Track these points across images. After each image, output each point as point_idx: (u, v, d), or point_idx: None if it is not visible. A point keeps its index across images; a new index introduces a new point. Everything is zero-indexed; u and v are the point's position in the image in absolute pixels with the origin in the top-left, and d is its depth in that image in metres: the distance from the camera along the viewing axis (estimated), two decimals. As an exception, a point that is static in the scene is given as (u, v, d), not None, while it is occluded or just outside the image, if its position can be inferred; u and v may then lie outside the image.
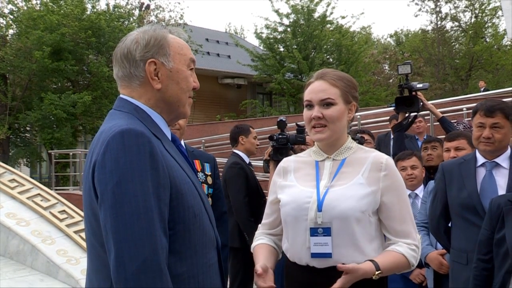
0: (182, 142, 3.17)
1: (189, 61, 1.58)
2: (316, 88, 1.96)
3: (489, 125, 2.69)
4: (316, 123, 1.93)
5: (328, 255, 1.87)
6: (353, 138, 3.42)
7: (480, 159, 2.78)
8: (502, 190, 2.67)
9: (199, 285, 1.45)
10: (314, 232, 1.88)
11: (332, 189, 1.91)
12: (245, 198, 4.40)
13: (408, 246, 1.89)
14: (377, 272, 1.80)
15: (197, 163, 3.22)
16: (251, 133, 4.65)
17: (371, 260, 1.83)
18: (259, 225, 2.18)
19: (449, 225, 2.96)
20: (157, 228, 1.33)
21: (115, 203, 1.32)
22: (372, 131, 5.02)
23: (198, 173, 3.16)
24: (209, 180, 3.24)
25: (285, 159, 2.14)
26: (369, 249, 1.89)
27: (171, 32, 1.58)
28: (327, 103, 1.93)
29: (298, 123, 3.62)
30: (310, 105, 1.96)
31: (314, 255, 1.89)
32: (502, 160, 2.74)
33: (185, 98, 1.58)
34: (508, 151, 2.77)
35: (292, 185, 2.00)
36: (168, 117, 1.58)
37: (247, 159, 4.67)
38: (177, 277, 1.39)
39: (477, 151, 2.83)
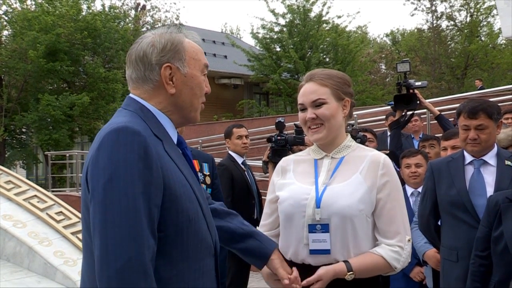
0: None
1: (203, 67, 1.59)
2: (307, 90, 1.99)
3: (474, 126, 2.75)
4: (312, 124, 1.96)
5: (326, 252, 1.88)
6: (355, 137, 3.44)
7: (468, 157, 2.83)
8: (490, 188, 2.72)
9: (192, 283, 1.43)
10: (312, 228, 1.89)
11: (331, 186, 1.92)
12: (227, 199, 4.38)
13: (390, 248, 1.89)
14: (349, 273, 1.84)
15: (195, 163, 3.20)
16: (233, 134, 4.64)
17: (345, 261, 1.86)
18: (258, 227, 2.15)
19: (439, 223, 2.98)
20: (145, 228, 1.31)
21: (105, 199, 1.31)
22: (369, 130, 5.01)
23: (197, 173, 3.14)
24: (208, 180, 3.22)
25: (284, 159, 2.16)
26: (366, 247, 1.90)
27: (186, 36, 1.57)
28: (318, 104, 1.95)
29: (296, 123, 3.62)
30: (304, 108, 2.00)
31: (312, 252, 1.89)
32: (489, 157, 2.79)
33: (198, 104, 1.58)
34: (495, 148, 2.82)
35: (290, 183, 2.01)
36: (178, 121, 1.57)
37: (239, 159, 4.66)
38: (165, 280, 1.38)
39: (464, 149, 2.87)
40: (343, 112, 1.99)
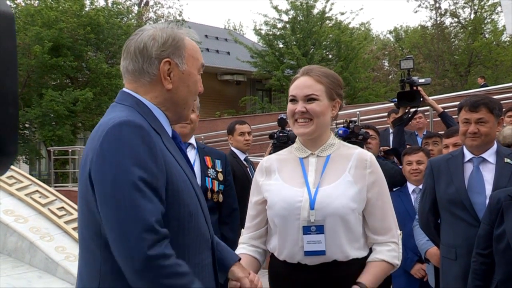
0: (193, 138, 3.14)
1: (200, 66, 1.59)
2: (301, 84, 1.98)
3: (474, 120, 2.74)
4: (300, 117, 1.96)
5: (321, 253, 1.89)
6: (357, 133, 3.42)
7: (468, 155, 2.83)
8: (489, 185, 2.72)
9: None
10: (307, 230, 1.90)
11: (323, 187, 1.93)
12: None
13: (387, 248, 1.94)
14: None
15: (208, 160, 3.19)
16: (236, 130, 4.65)
17: (358, 283, 1.87)
18: (243, 230, 2.15)
19: (439, 221, 2.98)
20: (159, 220, 1.34)
21: (116, 193, 1.31)
22: (371, 127, 4.97)
23: (209, 170, 3.12)
24: (220, 176, 3.20)
25: (266, 158, 2.14)
26: (359, 244, 1.93)
27: (187, 34, 1.58)
28: (310, 99, 1.95)
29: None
30: (295, 100, 1.99)
31: (307, 253, 1.90)
32: (489, 155, 2.78)
33: (191, 102, 1.59)
34: (495, 146, 2.82)
35: (278, 184, 2.00)
36: (171, 117, 1.57)
37: (242, 156, 4.67)
38: None
39: (464, 147, 2.87)
40: (331, 112, 1.99)
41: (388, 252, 1.93)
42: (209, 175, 3.15)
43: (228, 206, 3.29)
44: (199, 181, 2.97)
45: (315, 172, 1.97)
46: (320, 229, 1.88)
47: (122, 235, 1.30)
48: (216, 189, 3.17)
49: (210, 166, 3.16)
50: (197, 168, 3.04)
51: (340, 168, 1.95)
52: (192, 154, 3.08)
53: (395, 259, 1.94)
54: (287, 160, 2.05)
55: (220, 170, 3.23)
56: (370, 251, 1.99)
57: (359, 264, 1.93)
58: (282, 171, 2.02)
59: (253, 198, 2.09)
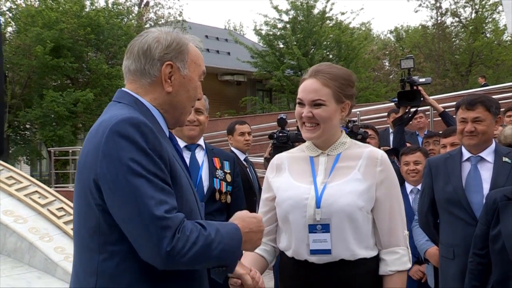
0: (202, 140, 3.14)
1: (201, 73, 1.61)
2: (308, 87, 1.94)
3: (471, 119, 2.74)
4: (307, 122, 1.94)
5: (327, 252, 1.87)
6: (356, 133, 3.40)
7: (466, 154, 2.82)
8: (487, 184, 2.71)
9: (187, 282, 1.45)
10: (312, 228, 1.88)
11: (330, 185, 1.91)
12: None
13: (396, 257, 1.91)
14: None
15: (216, 161, 3.19)
16: (236, 130, 4.66)
17: None
18: None
19: (438, 220, 2.97)
20: (174, 207, 1.37)
21: (133, 188, 1.32)
22: (372, 127, 4.96)
23: (217, 171, 3.12)
24: (228, 178, 3.20)
25: (277, 156, 2.12)
26: (366, 245, 1.90)
27: (191, 40, 1.60)
28: (317, 104, 1.91)
29: (299, 120, 3.59)
30: (302, 103, 1.96)
31: (313, 252, 1.88)
32: (487, 154, 2.78)
33: (189, 107, 1.60)
34: (493, 145, 2.81)
35: (288, 182, 1.99)
36: (169, 121, 1.58)
37: (242, 156, 4.66)
38: (165, 274, 1.39)
39: (462, 146, 2.86)
40: (340, 115, 1.96)
41: (398, 260, 1.91)
42: (217, 176, 3.15)
43: (236, 207, 3.27)
44: (207, 182, 2.98)
45: (324, 171, 1.95)
46: (326, 228, 1.86)
47: (138, 233, 1.32)
48: (224, 190, 3.17)
49: (218, 167, 3.16)
50: (205, 169, 3.04)
51: (350, 166, 1.93)
52: (200, 155, 3.08)
53: (406, 264, 1.92)
54: (298, 158, 2.04)
55: (229, 171, 3.23)
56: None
57: (367, 264, 1.90)
58: (292, 169, 2.02)
59: (264, 195, 2.09)
